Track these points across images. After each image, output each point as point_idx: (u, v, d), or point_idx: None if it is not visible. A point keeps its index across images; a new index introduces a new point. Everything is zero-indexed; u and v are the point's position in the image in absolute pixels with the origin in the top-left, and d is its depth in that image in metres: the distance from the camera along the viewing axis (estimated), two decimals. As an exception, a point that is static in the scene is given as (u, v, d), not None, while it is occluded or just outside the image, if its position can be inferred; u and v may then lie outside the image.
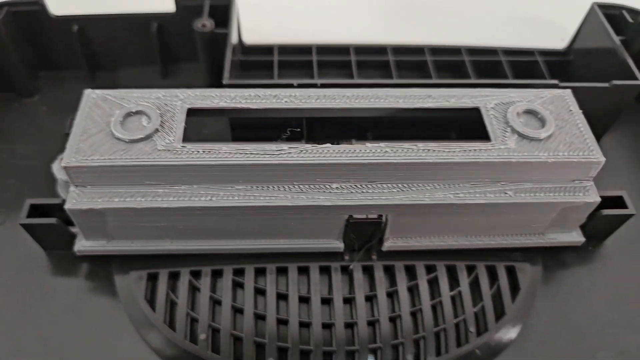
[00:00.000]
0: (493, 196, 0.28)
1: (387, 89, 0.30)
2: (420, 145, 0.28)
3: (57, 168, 0.31)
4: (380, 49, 0.42)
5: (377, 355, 0.28)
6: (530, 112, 0.29)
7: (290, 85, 0.32)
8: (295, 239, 0.30)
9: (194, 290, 0.30)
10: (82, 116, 0.28)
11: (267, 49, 0.41)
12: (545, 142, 0.28)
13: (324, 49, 0.41)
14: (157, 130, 0.28)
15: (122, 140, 0.27)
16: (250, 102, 0.29)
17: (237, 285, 0.30)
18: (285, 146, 0.27)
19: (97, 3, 0.40)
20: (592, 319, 0.30)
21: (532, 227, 0.30)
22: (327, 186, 0.28)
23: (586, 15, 0.39)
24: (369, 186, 0.28)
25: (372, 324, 0.29)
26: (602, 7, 0.39)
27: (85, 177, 0.27)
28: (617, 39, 0.36)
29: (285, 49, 0.41)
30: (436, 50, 0.41)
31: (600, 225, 0.31)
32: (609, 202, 0.31)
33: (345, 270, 0.31)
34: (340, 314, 0.29)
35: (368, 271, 0.31)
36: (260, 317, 0.29)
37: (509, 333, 0.30)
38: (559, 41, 0.42)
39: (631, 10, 0.38)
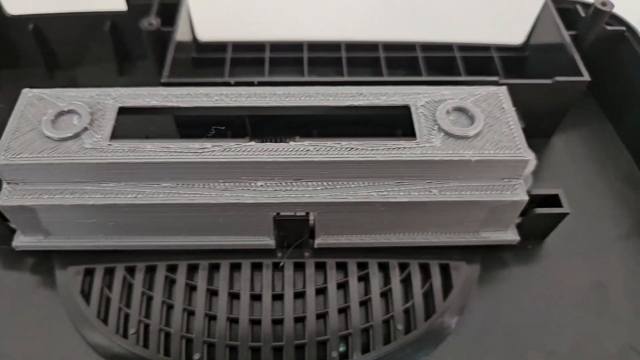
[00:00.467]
0: (417, 194, 0.28)
1: (318, 87, 0.30)
2: (344, 143, 0.28)
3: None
4: (335, 46, 0.42)
5: (304, 351, 0.29)
6: (460, 110, 0.29)
7: (228, 84, 0.32)
8: (227, 235, 0.30)
9: (129, 286, 0.30)
10: (16, 115, 0.29)
11: (221, 46, 0.41)
12: (472, 141, 0.28)
13: (278, 46, 0.41)
14: (85, 129, 0.28)
15: (51, 139, 0.28)
16: (180, 101, 0.30)
17: (171, 282, 0.31)
18: (208, 144, 0.27)
19: (55, 2, 0.41)
20: (525, 318, 0.30)
21: (464, 226, 0.30)
22: (252, 184, 0.28)
23: (540, 9, 0.39)
24: (294, 184, 0.28)
25: (300, 320, 0.29)
26: (557, 0, 0.38)
27: (15, 174, 0.28)
28: (566, 35, 0.35)
29: (239, 47, 0.41)
30: (389, 46, 0.41)
31: (535, 223, 0.31)
32: (546, 200, 0.31)
33: (277, 266, 0.31)
34: (269, 311, 0.29)
35: (301, 268, 0.31)
36: (190, 313, 0.29)
37: (439, 331, 0.30)
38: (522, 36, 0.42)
39: (584, 4, 0.38)
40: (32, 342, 0.29)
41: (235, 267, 0.31)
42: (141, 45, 0.40)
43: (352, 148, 0.27)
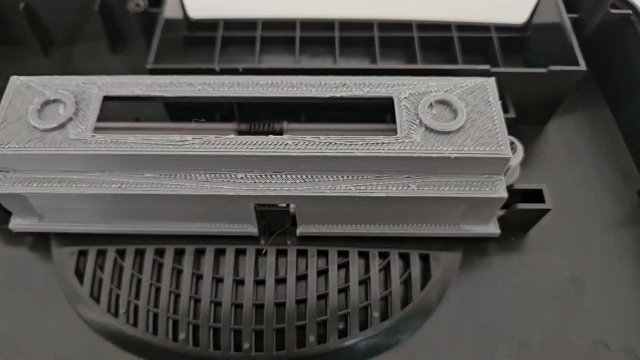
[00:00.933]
0: (395, 189, 0.28)
1: (302, 76, 0.30)
2: (322, 138, 0.28)
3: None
4: (328, 24, 0.40)
5: (284, 335, 0.30)
6: (444, 103, 0.29)
7: (213, 70, 0.32)
8: (212, 222, 0.31)
9: (120, 268, 0.32)
10: (4, 104, 0.29)
11: (212, 24, 0.41)
12: (453, 136, 0.28)
13: (270, 24, 0.41)
14: (70, 119, 0.29)
15: (37, 129, 0.28)
16: (164, 90, 0.30)
17: (159, 265, 0.32)
18: (189, 137, 0.28)
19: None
20: (500, 310, 0.31)
21: (444, 218, 0.31)
22: (233, 175, 0.29)
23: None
24: (274, 176, 0.29)
25: (281, 305, 0.31)
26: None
27: (4, 163, 0.29)
28: (566, 18, 0.34)
29: (231, 24, 0.40)
30: (384, 25, 0.40)
31: (517, 218, 0.31)
32: (529, 194, 0.31)
33: (261, 253, 0.32)
34: (250, 295, 0.31)
35: (283, 255, 0.32)
36: (177, 295, 0.31)
37: (414, 320, 0.31)
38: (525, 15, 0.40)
39: (590, -16, 0.36)
40: (30, 317, 0.31)
41: (220, 253, 0.32)
42: (132, 24, 0.40)
43: (331, 143, 0.27)
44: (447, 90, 0.29)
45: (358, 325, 0.30)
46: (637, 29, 0.34)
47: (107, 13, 0.39)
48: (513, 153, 0.32)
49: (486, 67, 0.32)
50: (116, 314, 0.31)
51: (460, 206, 0.29)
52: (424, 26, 0.40)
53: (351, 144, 0.27)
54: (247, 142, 0.28)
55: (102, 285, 0.31)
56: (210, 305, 0.30)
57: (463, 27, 0.40)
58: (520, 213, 0.30)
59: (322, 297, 0.31)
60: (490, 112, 0.29)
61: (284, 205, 0.29)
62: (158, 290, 0.31)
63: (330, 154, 0.27)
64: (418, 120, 0.28)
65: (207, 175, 0.29)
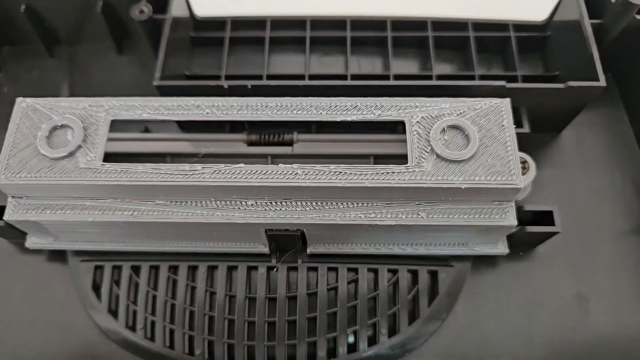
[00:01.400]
0: (405, 217, 0.28)
1: (311, 98, 0.29)
2: (332, 167, 0.27)
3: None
4: (340, 22, 0.39)
5: (295, 350, 0.31)
6: (456, 128, 0.28)
7: (221, 87, 0.32)
8: (224, 242, 0.32)
9: (135, 284, 0.33)
10: (12, 128, 0.29)
11: (220, 23, 0.39)
12: (464, 165, 0.27)
13: (280, 23, 0.39)
14: (79, 147, 0.28)
15: (47, 157, 0.28)
16: (172, 114, 0.29)
17: (173, 281, 0.33)
18: (199, 166, 0.28)
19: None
20: (504, 326, 0.32)
21: (453, 239, 0.31)
22: (243, 203, 0.29)
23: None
24: (284, 203, 0.29)
25: (292, 322, 0.32)
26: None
27: (18, 190, 0.29)
28: (589, 25, 0.32)
29: (238, 23, 0.39)
30: (398, 23, 0.38)
31: (526, 239, 0.31)
32: (539, 215, 0.30)
33: (272, 270, 0.33)
34: (263, 312, 0.32)
35: (294, 271, 0.33)
36: (191, 312, 0.32)
37: (420, 336, 0.31)
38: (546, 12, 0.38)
39: (616, -15, 0.33)
40: (49, 329, 0.33)
41: (232, 269, 0.33)
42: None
43: (341, 172, 0.27)
44: (460, 113, 0.29)
45: (366, 340, 0.31)
46: (663, 35, 0.33)
47: (111, 15, 0.38)
48: (525, 173, 0.32)
49: (502, 83, 0.31)
50: (134, 329, 0.32)
51: (471, 231, 0.29)
52: (439, 24, 0.38)
53: (361, 174, 0.27)
54: (256, 171, 0.27)
55: (119, 301, 0.32)
56: (224, 321, 0.32)
57: (480, 25, 0.38)
58: (530, 235, 0.30)
59: (332, 314, 0.32)
60: (503, 137, 0.28)
61: (294, 229, 0.30)
62: (173, 306, 0.32)
63: (339, 185, 0.27)
64: (429, 148, 0.28)
65: (218, 202, 0.29)
